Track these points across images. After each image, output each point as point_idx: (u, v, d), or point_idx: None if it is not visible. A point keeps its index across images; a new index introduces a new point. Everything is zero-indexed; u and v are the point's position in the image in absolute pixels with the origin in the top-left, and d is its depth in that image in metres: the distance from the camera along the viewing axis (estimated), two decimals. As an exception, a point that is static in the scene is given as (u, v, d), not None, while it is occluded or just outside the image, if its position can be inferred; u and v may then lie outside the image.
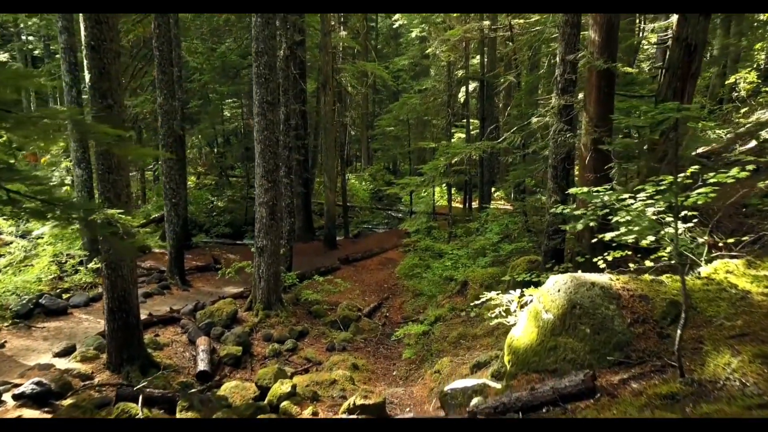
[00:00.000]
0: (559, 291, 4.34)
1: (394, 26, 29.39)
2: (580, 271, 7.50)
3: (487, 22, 15.12)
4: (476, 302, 6.76)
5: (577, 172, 9.83)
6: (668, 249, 4.74)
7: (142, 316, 9.38)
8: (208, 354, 8.06)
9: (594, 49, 7.31)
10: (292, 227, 12.60)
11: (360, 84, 26.60)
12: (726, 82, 14.97)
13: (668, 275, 4.44)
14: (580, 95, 8.10)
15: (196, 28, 16.07)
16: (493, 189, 25.37)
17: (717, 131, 12.02)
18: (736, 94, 14.06)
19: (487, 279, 10.70)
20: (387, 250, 16.11)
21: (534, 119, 7.71)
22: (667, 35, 10.13)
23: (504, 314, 5.19)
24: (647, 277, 4.35)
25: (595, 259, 4.91)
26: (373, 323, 10.36)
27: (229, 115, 26.60)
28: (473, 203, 25.08)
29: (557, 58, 7.95)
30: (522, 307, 5.18)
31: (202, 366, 7.64)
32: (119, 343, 7.10)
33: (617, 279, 4.28)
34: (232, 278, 11.81)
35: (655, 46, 14.10)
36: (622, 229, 4.21)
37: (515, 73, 11.21)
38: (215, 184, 24.30)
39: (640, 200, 4.25)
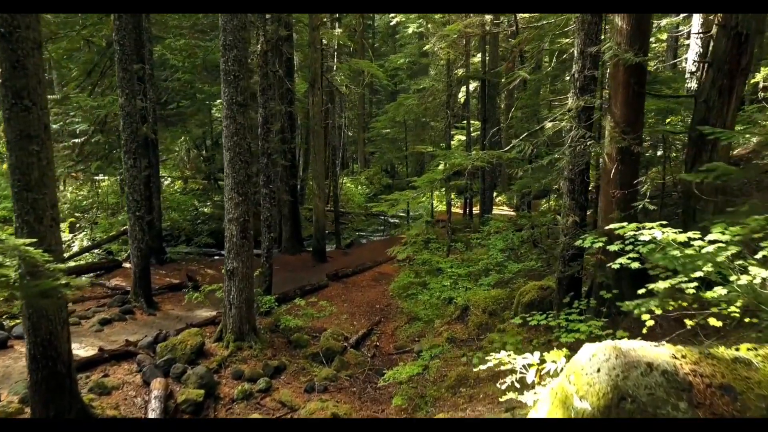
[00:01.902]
0: (598, 371, 3.07)
1: (392, 23, 28.15)
2: (603, 308, 6.25)
3: (489, 17, 13.90)
4: (479, 361, 5.44)
5: (593, 183, 8.59)
6: (738, 303, 3.49)
7: (93, 351, 8.15)
8: (162, 401, 6.81)
9: (621, 39, 6.05)
10: (274, 242, 11.34)
11: (355, 83, 25.35)
12: (750, 81, 13.70)
13: (751, 346, 3.19)
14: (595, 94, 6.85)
15: (175, 23, 14.81)
16: (495, 193, 24.14)
17: (746, 135, 10.78)
18: (763, 94, 12.80)
19: (491, 303, 9.45)
20: (380, 263, 14.84)
21: (548, 124, 6.46)
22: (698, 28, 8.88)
23: (517, 385, 3.94)
24: (725, 352, 3.08)
25: (643, 317, 3.63)
26: (360, 355, 9.09)
27: (220, 116, 25.40)
28: (474, 209, 23.84)
29: (575, 51, 6.69)
30: (540, 374, 3.92)
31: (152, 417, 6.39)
32: (44, 397, 5.83)
33: (683, 357, 3.01)
34: (205, 300, 10.55)
35: (683, 39, 12.74)
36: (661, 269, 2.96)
37: (530, 67, 9.91)
38: (202, 188, 23.07)
39: (715, 245, 3.00)
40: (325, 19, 18.63)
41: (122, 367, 7.91)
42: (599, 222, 6.64)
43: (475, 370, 7.38)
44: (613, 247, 4.17)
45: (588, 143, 6.39)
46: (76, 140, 12.22)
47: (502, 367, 4.14)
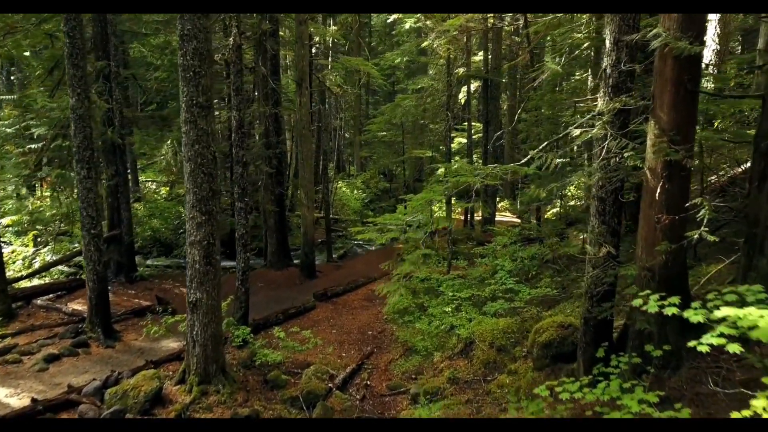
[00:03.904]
0: None
1: (389, 20, 26.89)
2: (651, 368, 4.96)
3: (493, 10, 12.62)
4: None
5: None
6: None
7: (26, 401, 6.85)
8: (98, 472, 5.51)
9: (671, 24, 4.76)
10: (258, 256, 10.01)
11: (350, 83, 24.07)
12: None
13: None
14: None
15: (148, 17, 13.50)
16: (497, 198, 22.88)
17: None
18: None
19: (499, 336, 8.18)
20: (374, 279, 13.53)
21: (574, 131, 5.18)
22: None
23: None
24: None
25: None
26: (348, 399, 7.79)
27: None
28: (476, 215, 22.55)
29: (606, 41, 5.41)
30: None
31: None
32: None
33: None
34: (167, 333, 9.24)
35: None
36: None
37: (559, 59, 8.51)
38: (188, 194, 21.78)
39: None
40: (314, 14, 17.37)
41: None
42: (638, 252, 5.35)
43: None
44: (694, 317, 2.88)
45: (626, 155, 5.10)
46: (33, 146, 10.95)
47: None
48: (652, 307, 3.22)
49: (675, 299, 3.05)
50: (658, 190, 4.99)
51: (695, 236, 4.61)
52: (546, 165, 5.10)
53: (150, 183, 24.67)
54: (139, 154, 17.88)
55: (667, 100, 4.94)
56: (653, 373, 4.83)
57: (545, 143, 5.41)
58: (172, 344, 9.25)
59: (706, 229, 4.53)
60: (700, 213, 4.63)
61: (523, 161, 5.36)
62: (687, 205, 4.90)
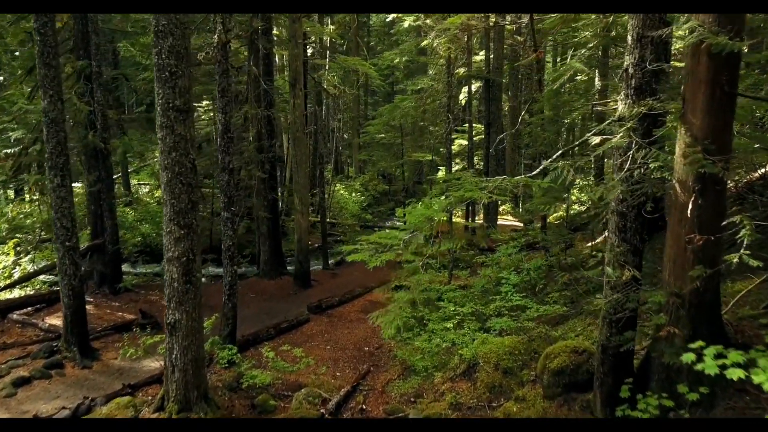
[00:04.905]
0: None
1: (388, 19, 26.32)
2: (684, 411, 4.36)
3: (495, 6, 12.01)
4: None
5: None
6: None
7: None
8: None
9: (706, 17, 4.16)
10: (252, 263, 9.38)
11: (347, 84, 23.47)
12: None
13: None
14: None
15: (135, 14, 12.91)
16: (499, 201, 22.28)
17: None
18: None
19: (505, 357, 7.57)
20: (372, 288, 12.90)
21: (594, 138, 4.57)
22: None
23: None
24: None
25: None
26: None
27: (207, 119, 23.56)
28: (477, 218, 21.96)
29: (628, 36, 4.81)
30: None
31: None
32: None
33: None
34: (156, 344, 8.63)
35: None
36: None
37: (581, 55, 7.83)
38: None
39: None
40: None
41: (23, 456, 5.99)
42: (666, 275, 4.75)
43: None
44: (759, 377, 2.28)
45: (651, 166, 4.49)
46: (10, 150, 10.35)
47: None
48: (710, 367, 2.61)
49: (738, 356, 2.44)
50: (690, 206, 4.39)
51: (735, 260, 4.01)
52: (563, 177, 4.50)
53: (143, 186, 24.09)
54: (122, 159, 17.22)
55: (700, 104, 4.34)
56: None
57: (559, 152, 4.80)
58: (154, 364, 8.62)
59: (748, 252, 3.93)
60: (741, 233, 4.03)
61: (535, 172, 4.76)
62: (724, 223, 4.30)
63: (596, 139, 4.62)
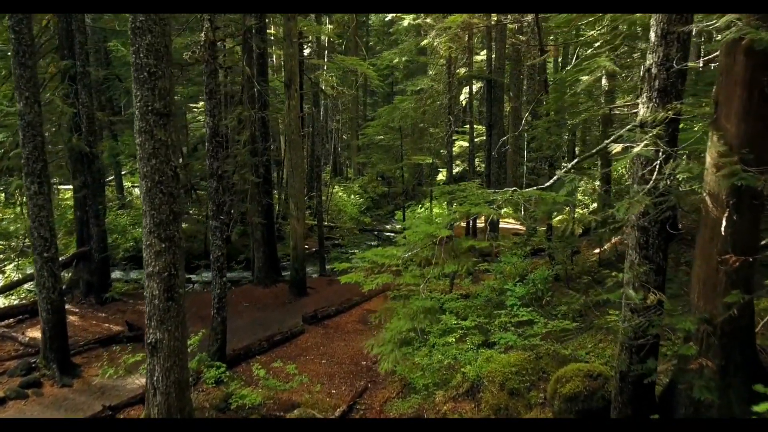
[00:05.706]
0: None
1: (387, 18, 25.85)
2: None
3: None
4: None
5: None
6: None
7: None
8: None
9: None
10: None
11: (346, 84, 22.98)
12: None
13: None
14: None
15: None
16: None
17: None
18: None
19: (511, 376, 7.09)
20: (370, 297, 12.42)
21: (614, 146, 4.10)
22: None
23: None
24: None
25: None
26: (335, 453, 6.69)
27: (203, 119, 23.08)
28: (478, 222, 21.49)
29: (651, 33, 4.34)
30: None
31: None
32: None
33: None
34: (138, 363, 8.16)
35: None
36: None
37: (610, 53, 7.30)
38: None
39: None
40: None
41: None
42: (694, 298, 4.28)
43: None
44: None
45: (679, 177, 4.02)
46: (-9, 154, 9.89)
47: None
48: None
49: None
50: (723, 223, 3.91)
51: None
52: (572, 188, 4.03)
53: (137, 188, 23.60)
54: (109, 162, 16.72)
55: (735, 108, 3.88)
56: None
57: (575, 160, 4.32)
58: (138, 381, 8.14)
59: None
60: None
61: (547, 184, 4.28)
62: (763, 243, 3.83)
63: (617, 147, 4.15)
